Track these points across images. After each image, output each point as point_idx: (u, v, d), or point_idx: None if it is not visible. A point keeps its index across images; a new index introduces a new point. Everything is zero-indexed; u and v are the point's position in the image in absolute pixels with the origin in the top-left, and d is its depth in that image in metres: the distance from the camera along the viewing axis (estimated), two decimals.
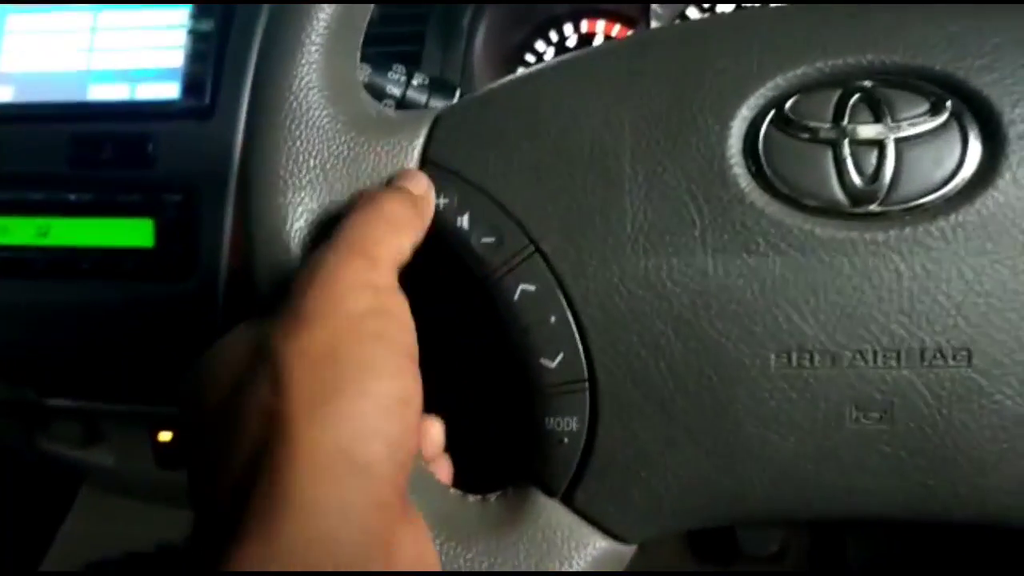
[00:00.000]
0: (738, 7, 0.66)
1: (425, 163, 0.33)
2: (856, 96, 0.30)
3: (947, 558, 0.78)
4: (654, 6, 0.57)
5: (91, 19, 0.61)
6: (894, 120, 0.30)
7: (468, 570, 0.31)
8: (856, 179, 0.30)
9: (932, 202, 0.30)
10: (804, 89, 0.31)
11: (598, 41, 0.70)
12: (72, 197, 0.59)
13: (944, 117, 0.30)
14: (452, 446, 0.35)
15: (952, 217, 0.29)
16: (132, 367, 0.65)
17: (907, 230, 0.30)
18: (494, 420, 0.36)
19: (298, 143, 0.31)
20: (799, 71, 0.31)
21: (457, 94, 0.46)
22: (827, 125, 0.30)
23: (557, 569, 0.32)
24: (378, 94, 0.44)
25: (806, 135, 0.30)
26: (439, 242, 0.32)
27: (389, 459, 0.26)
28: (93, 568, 0.85)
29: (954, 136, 0.30)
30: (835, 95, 0.31)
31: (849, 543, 0.82)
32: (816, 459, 0.31)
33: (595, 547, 0.32)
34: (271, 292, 0.31)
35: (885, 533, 0.80)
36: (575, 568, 0.32)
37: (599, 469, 0.31)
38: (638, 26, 0.66)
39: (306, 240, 0.31)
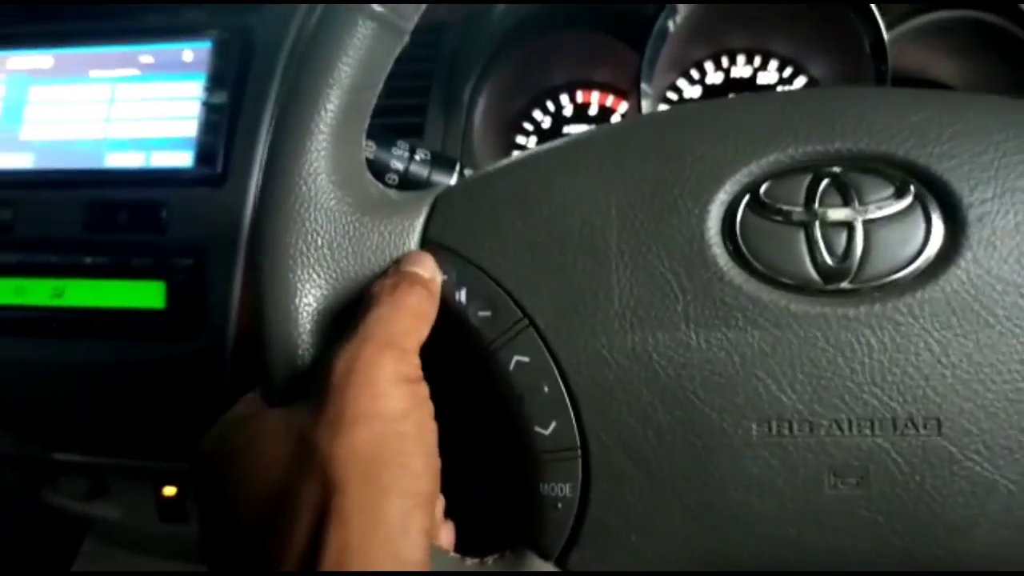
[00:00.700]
0: (725, 79, 0.70)
1: (425, 241, 0.35)
2: (826, 181, 0.32)
3: None
4: (644, 85, 0.60)
5: (109, 90, 0.64)
6: (862, 203, 0.32)
7: None
8: (828, 258, 0.32)
9: (900, 279, 0.32)
10: (777, 174, 0.33)
11: (593, 110, 0.73)
12: (87, 260, 0.61)
13: (909, 200, 0.32)
14: (452, 509, 0.36)
15: (919, 294, 0.31)
16: (140, 423, 0.66)
17: (877, 306, 0.31)
18: (492, 486, 0.37)
19: (307, 224, 0.33)
20: (772, 158, 0.33)
21: (457, 167, 0.48)
22: (799, 208, 0.32)
23: None
24: (382, 169, 0.46)
25: (780, 217, 0.32)
26: (438, 316, 0.34)
27: (424, 550, 0.28)
28: None
29: (918, 218, 0.32)
30: (806, 180, 0.33)
31: None
32: (797, 522, 0.32)
33: None
34: (280, 363, 0.33)
35: None
36: None
37: (592, 533, 0.33)
38: (630, 97, 0.69)
39: (314, 314, 0.33)
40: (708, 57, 0.70)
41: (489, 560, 0.34)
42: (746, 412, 0.32)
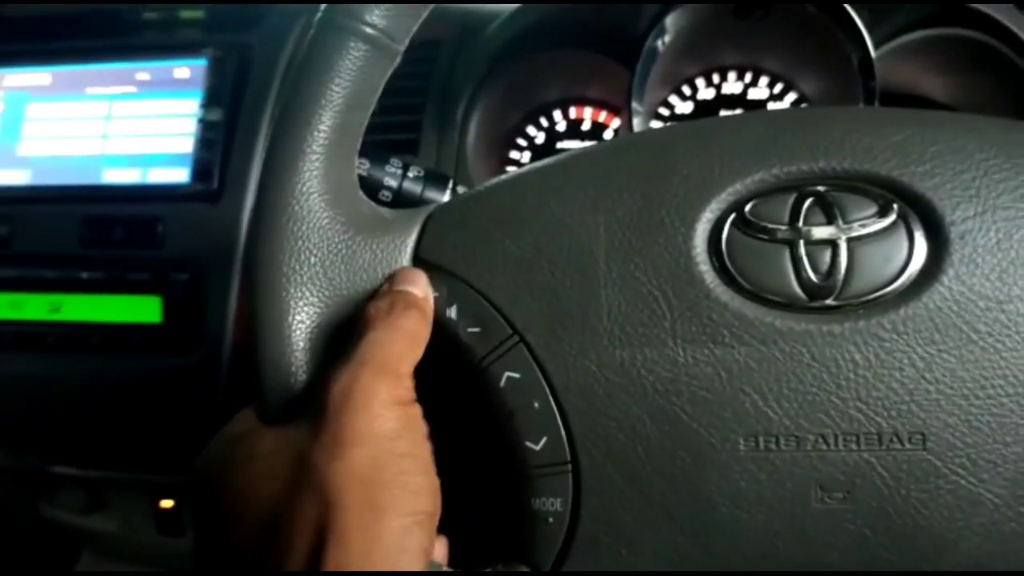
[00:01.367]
0: (716, 95, 0.70)
1: (417, 259, 0.35)
2: (810, 200, 0.33)
3: None
4: (634, 103, 0.61)
5: (106, 107, 0.64)
6: (845, 222, 0.33)
7: None
8: (812, 276, 0.32)
9: (883, 296, 0.32)
10: (762, 193, 0.33)
11: (586, 126, 0.73)
12: (84, 275, 0.62)
13: (892, 218, 0.32)
14: (444, 524, 0.37)
15: (902, 310, 0.32)
16: (137, 437, 0.67)
17: (861, 323, 0.32)
18: (483, 500, 0.37)
19: (299, 242, 0.34)
20: (757, 177, 0.33)
21: (451, 184, 0.49)
22: (784, 227, 0.33)
23: None
24: (376, 186, 0.46)
25: (765, 236, 0.33)
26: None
27: (421, 567, 0.29)
28: None
29: (901, 236, 0.32)
30: (790, 199, 0.33)
31: None
32: (785, 536, 0.32)
33: None
34: (274, 381, 0.33)
35: None
36: None
37: (583, 547, 0.33)
38: (622, 113, 0.69)
39: (307, 332, 0.33)
40: (699, 74, 0.71)
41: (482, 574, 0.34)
42: (733, 427, 0.32)
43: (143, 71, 0.64)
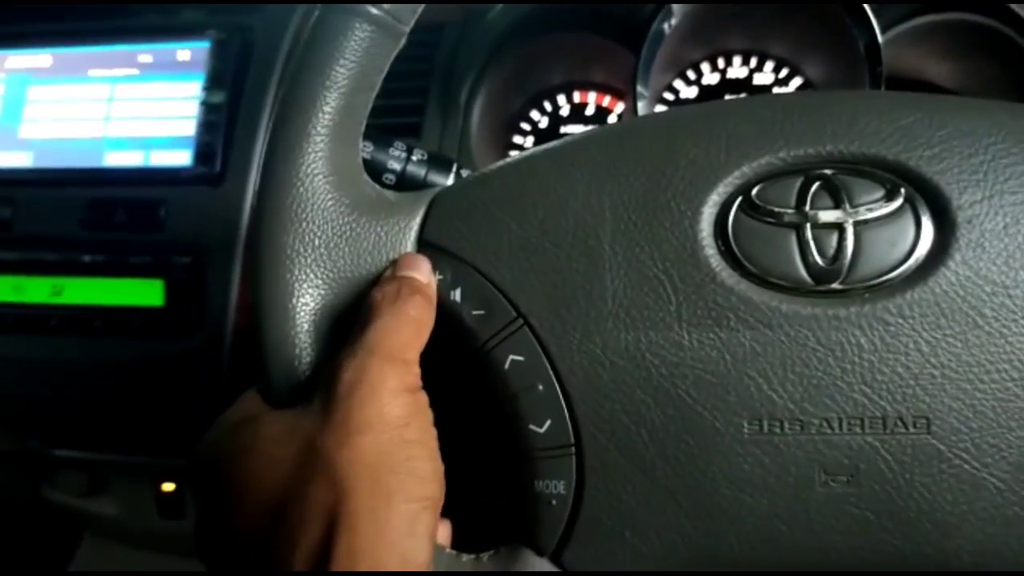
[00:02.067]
0: (721, 80, 0.70)
1: (421, 242, 0.35)
2: (817, 183, 0.33)
3: None
4: (639, 87, 0.60)
5: (108, 90, 0.64)
6: (852, 205, 0.32)
7: None
8: (818, 260, 0.32)
9: (889, 281, 0.32)
10: (769, 177, 0.33)
11: (590, 111, 0.73)
12: (86, 258, 0.62)
13: (899, 202, 0.32)
14: (448, 507, 0.37)
15: (908, 295, 0.32)
16: (138, 420, 0.67)
17: (867, 307, 0.32)
18: (487, 483, 0.38)
19: (304, 224, 0.34)
20: (763, 161, 0.33)
21: (454, 167, 0.48)
22: (790, 210, 0.33)
23: None
24: (380, 169, 0.46)
25: (771, 219, 0.33)
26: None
27: (429, 552, 0.29)
28: None
29: (908, 220, 0.32)
30: (797, 182, 0.33)
31: None
32: (788, 520, 0.32)
33: None
34: (278, 364, 0.33)
35: None
36: None
37: (586, 529, 0.33)
38: (627, 97, 0.69)
39: (311, 314, 0.33)
40: (704, 58, 0.70)
41: (484, 557, 0.34)
42: (738, 411, 0.32)
43: (145, 53, 0.64)
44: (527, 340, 0.33)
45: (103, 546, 0.91)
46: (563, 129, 0.73)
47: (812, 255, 0.32)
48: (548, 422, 0.33)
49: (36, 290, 0.63)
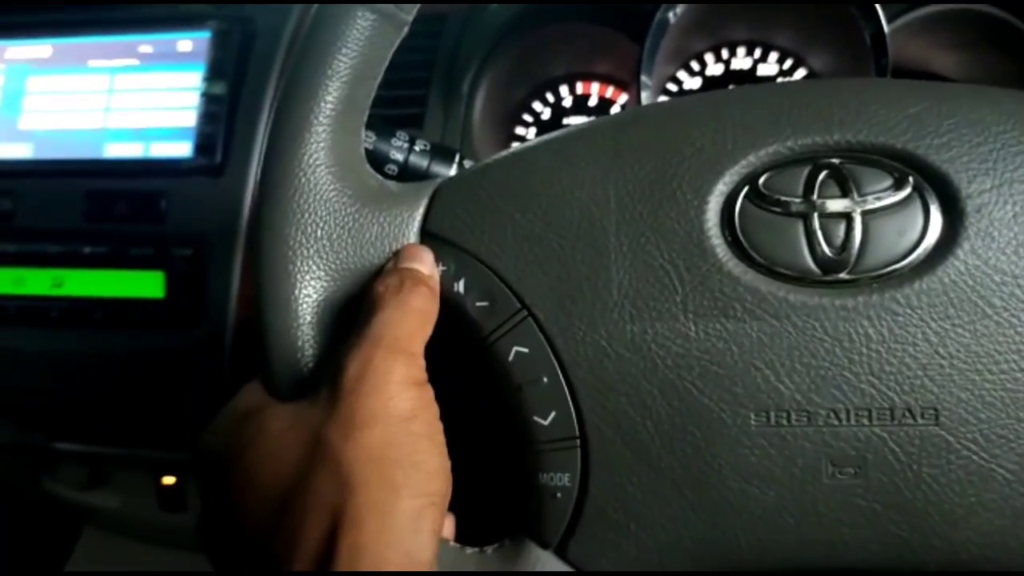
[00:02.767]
0: (726, 71, 0.69)
1: (424, 233, 0.35)
2: (824, 172, 0.32)
3: None
4: (644, 77, 0.60)
5: (108, 81, 0.64)
6: (860, 195, 0.32)
7: None
8: (826, 249, 0.32)
9: (898, 270, 0.32)
10: (776, 166, 0.33)
11: (593, 102, 0.73)
12: (86, 250, 0.61)
13: (907, 191, 0.32)
14: (452, 500, 0.36)
15: (916, 284, 0.31)
16: (139, 412, 0.67)
17: (875, 296, 0.31)
18: (491, 476, 0.37)
19: (306, 215, 0.33)
20: (770, 149, 0.33)
21: (457, 158, 0.48)
22: (798, 199, 0.32)
23: None
24: (382, 160, 0.46)
25: (778, 208, 0.32)
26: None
27: (433, 548, 0.29)
28: None
29: (916, 209, 0.32)
30: (805, 171, 0.33)
31: None
32: (795, 512, 0.32)
33: None
34: (281, 355, 0.33)
35: None
36: None
37: (591, 522, 0.33)
38: (630, 88, 0.69)
39: (313, 306, 0.33)
40: (708, 49, 0.70)
41: (489, 550, 0.34)
42: (744, 402, 0.32)
43: (145, 43, 0.63)
44: (531, 332, 0.33)
45: (103, 539, 0.91)
46: (566, 120, 0.73)
47: (819, 245, 0.32)
48: (553, 414, 0.33)
49: (37, 282, 0.62)
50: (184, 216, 0.60)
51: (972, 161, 0.32)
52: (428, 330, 0.33)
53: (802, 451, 0.32)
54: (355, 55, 0.33)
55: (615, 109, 0.72)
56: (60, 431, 0.71)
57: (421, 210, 0.35)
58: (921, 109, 0.32)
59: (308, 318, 0.33)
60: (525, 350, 0.33)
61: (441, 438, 0.31)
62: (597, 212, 0.33)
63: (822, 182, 0.32)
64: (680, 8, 0.62)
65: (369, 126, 0.37)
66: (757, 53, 0.69)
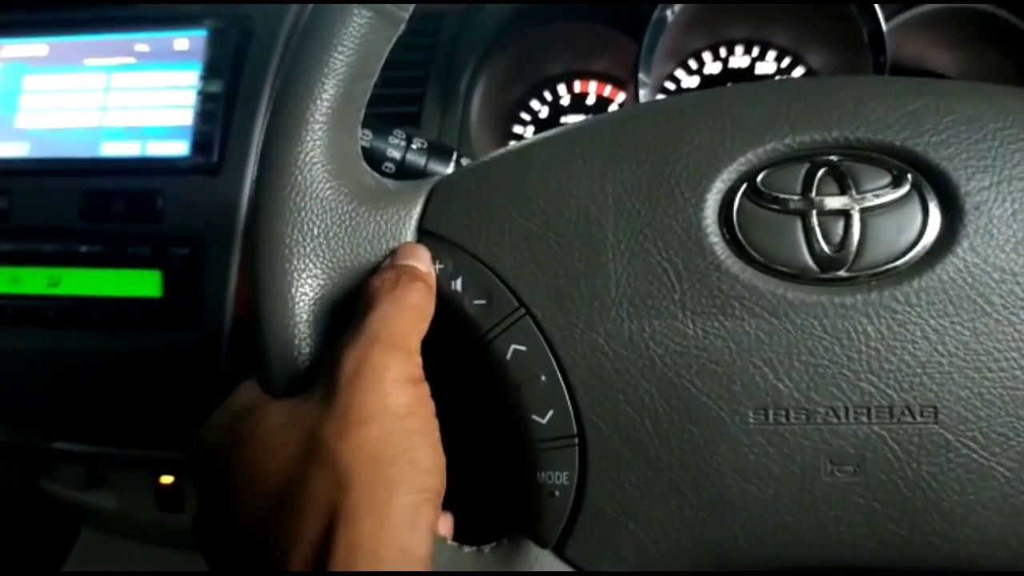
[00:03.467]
0: (723, 69, 0.69)
1: (421, 231, 0.35)
2: (823, 170, 0.32)
3: None
4: (642, 75, 0.60)
5: (104, 79, 0.63)
6: (859, 192, 0.32)
7: None
8: (824, 247, 0.32)
9: (896, 268, 0.32)
10: (774, 163, 0.33)
11: (590, 100, 0.72)
12: (83, 249, 0.61)
13: (905, 189, 0.32)
14: (449, 498, 0.36)
15: (915, 282, 0.31)
16: (137, 412, 0.66)
17: (873, 294, 0.31)
18: (489, 474, 0.37)
19: (302, 214, 0.33)
20: (768, 147, 0.33)
21: (454, 156, 0.48)
22: (796, 197, 0.32)
23: None
24: (379, 158, 0.46)
25: (776, 206, 0.32)
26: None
27: (430, 545, 0.29)
28: None
29: (915, 206, 0.32)
30: (803, 169, 0.33)
31: None
32: (794, 510, 0.32)
33: None
34: (277, 353, 0.33)
35: None
36: None
37: (589, 521, 0.33)
38: (628, 87, 0.69)
39: (310, 304, 0.33)
40: (706, 47, 0.70)
41: (486, 548, 0.34)
42: (743, 400, 0.32)
43: (142, 42, 0.63)
44: (529, 330, 0.33)
45: (101, 539, 0.91)
46: (563, 119, 0.73)
47: (818, 242, 0.32)
48: (550, 413, 0.33)
49: (33, 281, 0.62)
50: (181, 215, 0.60)
51: (971, 158, 0.32)
52: (424, 327, 0.32)
53: (801, 449, 0.32)
54: (351, 53, 0.33)
55: (613, 107, 0.72)
56: (57, 431, 0.71)
57: (418, 208, 0.35)
58: (919, 106, 0.32)
59: (304, 315, 0.33)
60: (523, 348, 0.33)
61: (436, 435, 0.31)
62: (595, 210, 0.33)
63: (820, 180, 0.32)
64: (678, 6, 0.62)
65: (365, 124, 0.36)
66: (755, 51, 0.69)
